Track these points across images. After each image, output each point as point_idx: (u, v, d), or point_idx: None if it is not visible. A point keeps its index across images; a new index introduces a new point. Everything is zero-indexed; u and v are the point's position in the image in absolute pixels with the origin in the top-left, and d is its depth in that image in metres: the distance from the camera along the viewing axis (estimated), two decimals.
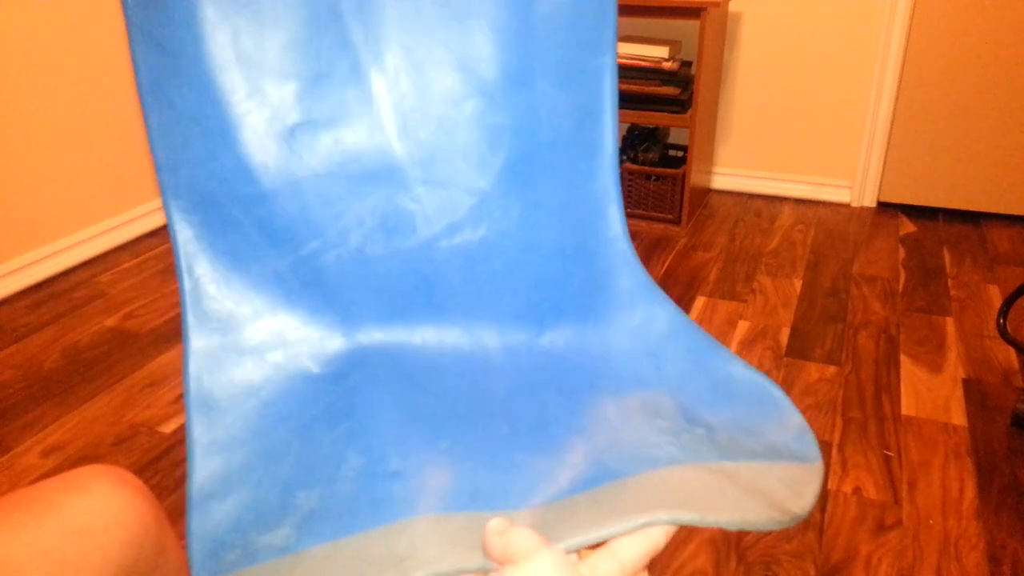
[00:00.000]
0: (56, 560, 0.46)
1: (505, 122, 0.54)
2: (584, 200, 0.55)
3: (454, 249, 0.54)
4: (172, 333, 1.79)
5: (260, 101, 0.52)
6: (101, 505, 0.50)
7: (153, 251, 2.21)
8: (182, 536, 1.20)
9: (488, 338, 0.53)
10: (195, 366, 0.47)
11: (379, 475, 0.42)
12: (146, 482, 1.20)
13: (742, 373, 0.46)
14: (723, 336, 1.74)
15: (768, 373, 1.60)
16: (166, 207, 0.52)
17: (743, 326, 1.78)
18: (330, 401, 0.48)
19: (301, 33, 0.52)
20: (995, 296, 1.89)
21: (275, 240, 0.52)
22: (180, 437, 1.42)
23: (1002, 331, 1.46)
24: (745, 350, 1.69)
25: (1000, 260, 2.08)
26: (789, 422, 0.42)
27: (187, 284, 0.50)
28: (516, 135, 0.54)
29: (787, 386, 1.56)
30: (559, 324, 0.53)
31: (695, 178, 2.34)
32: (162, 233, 2.34)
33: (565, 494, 0.38)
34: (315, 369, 0.50)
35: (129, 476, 0.54)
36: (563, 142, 0.55)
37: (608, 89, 0.55)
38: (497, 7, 0.53)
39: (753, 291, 1.94)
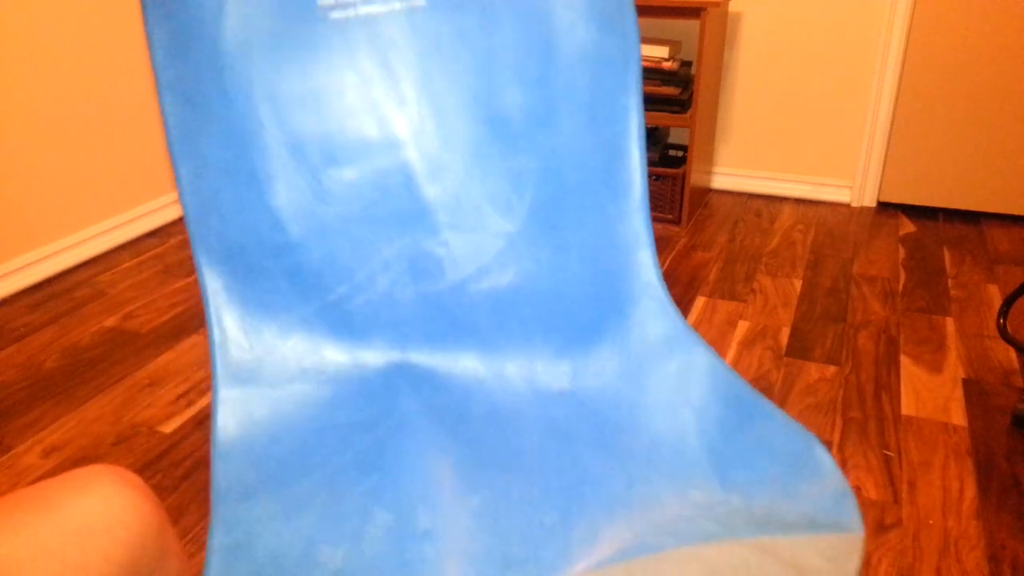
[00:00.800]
0: (57, 560, 0.46)
1: (531, 165, 0.53)
2: (614, 244, 0.54)
3: (482, 293, 0.53)
4: (172, 333, 1.79)
5: (288, 151, 0.52)
6: (103, 505, 0.50)
7: (153, 251, 2.21)
8: (183, 536, 1.20)
9: (519, 385, 0.51)
10: (223, 415, 0.47)
11: (408, 534, 0.41)
12: (146, 482, 1.20)
13: (784, 428, 0.44)
14: (723, 336, 1.74)
15: (768, 373, 1.60)
16: (196, 258, 0.52)
17: (743, 326, 1.78)
18: (359, 450, 0.47)
19: (326, 83, 0.52)
20: (995, 296, 1.89)
21: (304, 287, 0.52)
22: (180, 437, 1.42)
23: (1002, 331, 1.46)
24: (745, 350, 1.69)
25: (1000, 260, 2.08)
26: (830, 482, 0.40)
27: (216, 335, 0.49)
28: (542, 178, 0.54)
29: (787, 386, 1.56)
30: (591, 371, 0.52)
31: (695, 178, 2.34)
32: (162, 233, 2.34)
33: (598, 565, 0.37)
34: (344, 417, 0.49)
35: (131, 476, 0.54)
36: (590, 184, 0.54)
37: (635, 130, 0.54)
38: (520, 52, 0.53)
39: (753, 291, 1.94)
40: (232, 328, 0.50)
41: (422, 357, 0.51)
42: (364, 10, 0.51)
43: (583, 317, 0.53)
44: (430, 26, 0.52)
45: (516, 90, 0.53)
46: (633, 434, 0.47)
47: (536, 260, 0.54)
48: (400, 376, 0.51)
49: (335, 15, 0.51)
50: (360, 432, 0.48)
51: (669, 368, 0.50)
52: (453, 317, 0.52)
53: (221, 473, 0.45)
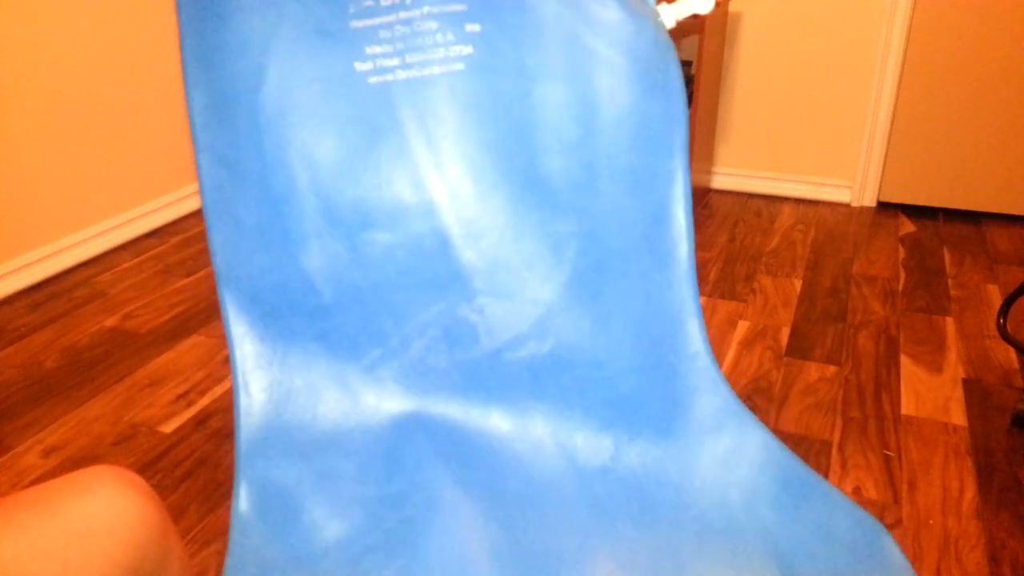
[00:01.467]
0: (60, 562, 0.46)
1: (571, 230, 0.52)
2: (659, 313, 0.52)
3: (520, 362, 0.51)
4: (172, 333, 1.79)
5: (322, 214, 0.51)
6: (105, 507, 0.50)
7: (153, 251, 2.21)
8: (184, 536, 1.20)
9: (557, 459, 0.49)
10: (245, 488, 0.45)
11: None
12: (146, 482, 1.20)
13: (845, 511, 0.41)
14: (723, 336, 1.74)
15: (768, 373, 1.60)
16: (226, 321, 0.51)
17: (743, 326, 1.78)
18: (387, 529, 0.45)
19: (363, 145, 0.51)
20: (995, 296, 1.89)
21: (336, 352, 0.51)
22: (180, 437, 1.42)
23: (1002, 331, 1.47)
24: (745, 350, 1.69)
25: (1000, 260, 2.08)
26: (895, 569, 0.38)
27: (243, 400, 0.48)
28: (582, 244, 0.52)
29: (787, 386, 1.56)
30: (636, 447, 0.49)
31: (695, 178, 2.34)
32: (162, 233, 2.34)
33: None
34: (371, 491, 0.47)
35: (134, 477, 0.54)
36: (634, 250, 0.52)
37: (680, 195, 0.53)
38: (560, 115, 0.52)
39: (753, 291, 1.94)
40: (259, 394, 0.49)
41: (455, 427, 0.50)
42: (402, 75, 0.51)
43: (626, 390, 0.51)
44: (468, 90, 0.52)
45: (556, 154, 0.52)
46: (681, 517, 0.45)
47: (576, 329, 0.52)
48: (432, 446, 0.49)
49: (372, 80, 0.51)
50: (388, 509, 0.46)
51: (719, 446, 0.48)
52: (488, 386, 0.51)
53: (239, 547, 0.44)
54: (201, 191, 0.52)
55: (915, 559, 1.14)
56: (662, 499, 0.46)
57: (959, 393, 1.52)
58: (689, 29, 2.46)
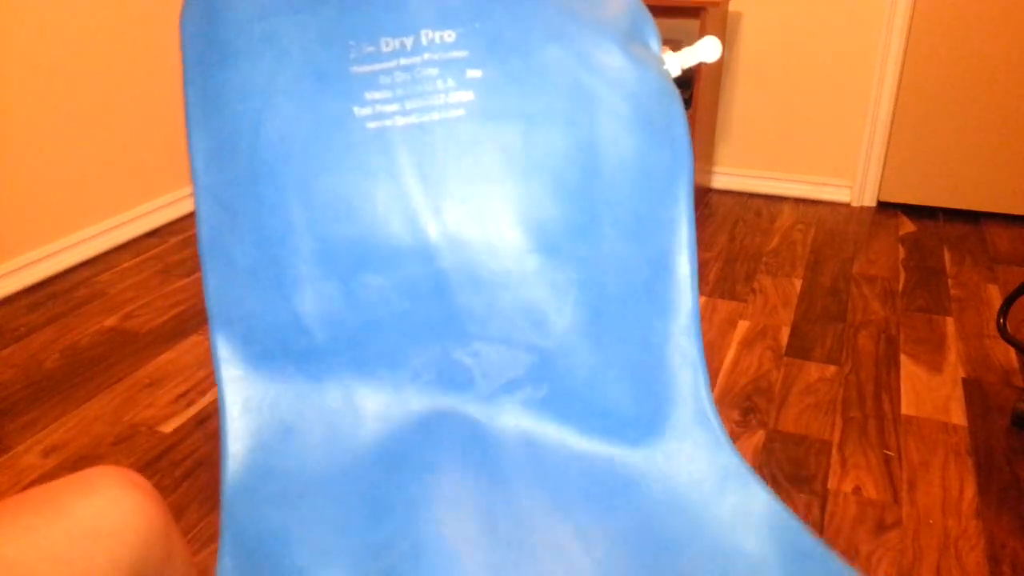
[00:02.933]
0: (64, 563, 0.46)
1: (570, 277, 0.51)
2: (661, 365, 0.50)
3: (514, 407, 0.50)
4: (172, 333, 1.79)
5: (318, 256, 0.50)
6: (109, 507, 0.50)
7: (153, 251, 2.21)
8: (185, 535, 1.20)
9: (553, 519, 0.47)
10: (230, 540, 0.45)
11: None
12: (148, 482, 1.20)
13: None
14: (723, 336, 1.74)
15: (768, 373, 1.60)
16: (216, 365, 0.50)
17: (743, 326, 1.78)
18: None
19: (359, 188, 0.50)
20: (995, 296, 1.89)
21: (327, 396, 0.50)
22: (180, 437, 1.42)
23: (1002, 331, 1.47)
24: (745, 350, 1.69)
25: (1000, 260, 2.08)
26: None
27: (231, 447, 0.48)
28: (581, 292, 0.51)
29: (787, 386, 1.56)
30: (633, 506, 0.47)
31: (695, 177, 2.34)
32: (162, 232, 2.34)
33: None
34: (357, 540, 0.45)
35: (138, 478, 0.54)
36: (635, 300, 0.51)
37: (684, 244, 0.51)
38: (561, 162, 0.51)
39: (753, 291, 1.94)
40: (246, 439, 0.48)
41: (444, 482, 0.48)
42: (401, 121, 0.51)
43: (624, 443, 0.50)
44: (468, 135, 0.51)
45: (556, 200, 0.51)
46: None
47: (572, 378, 0.51)
48: (419, 490, 0.48)
49: (371, 125, 0.51)
50: (373, 558, 0.45)
51: (721, 508, 0.46)
52: (480, 434, 0.50)
53: None
54: (198, 233, 0.52)
55: (915, 559, 1.14)
56: (661, 564, 0.45)
57: (959, 393, 1.52)
58: (689, 29, 2.47)
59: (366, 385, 0.51)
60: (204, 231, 0.51)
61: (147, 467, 1.34)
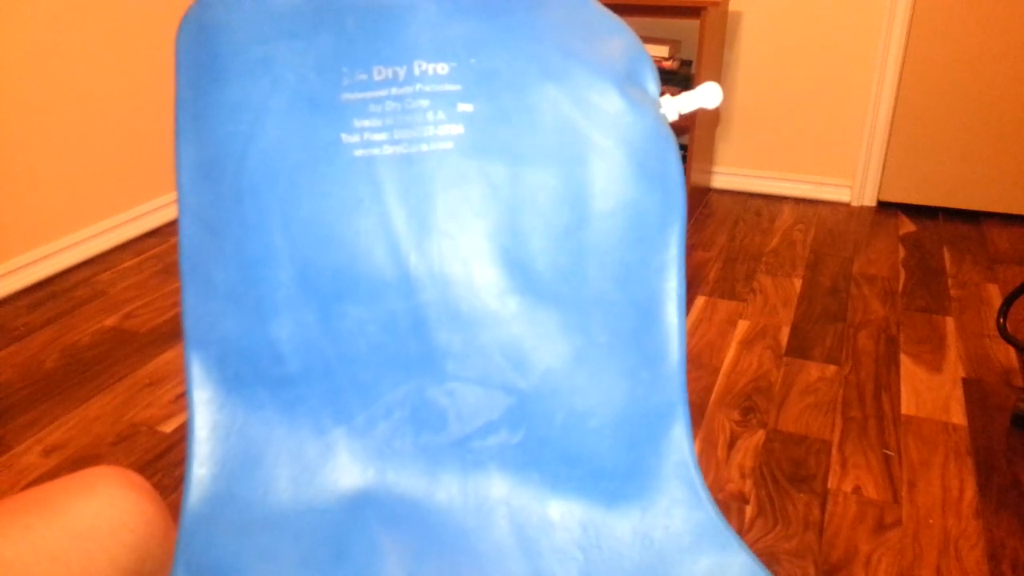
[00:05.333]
0: (62, 563, 0.46)
1: (553, 319, 0.49)
2: (644, 414, 0.49)
3: (488, 451, 0.49)
4: (172, 332, 1.79)
5: (297, 283, 0.50)
6: (108, 508, 0.50)
7: (153, 250, 2.21)
8: None
9: (522, 559, 0.46)
10: (182, 570, 0.43)
11: None
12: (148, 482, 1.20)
13: None
14: (723, 336, 1.74)
15: (768, 373, 1.60)
16: (189, 387, 0.49)
17: (743, 325, 1.78)
18: None
19: (342, 215, 0.50)
20: (995, 295, 1.89)
21: (298, 426, 0.49)
22: (180, 436, 1.42)
23: (1002, 330, 1.47)
24: (745, 349, 1.69)
25: (1000, 260, 2.08)
26: None
27: (195, 472, 0.47)
28: (564, 334, 0.50)
29: (787, 385, 1.56)
30: (605, 556, 0.46)
31: (695, 177, 2.34)
32: (162, 232, 2.34)
33: None
34: None
35: (136, 478, 0.54)
36: (619, 346, 0.50)
37: (674, 290, 0.50)
38: (550, 201, 0.50)
39: (753, 290, 1.94)
40: (212, 466, 0.47)
41: (411, 510, 0.47)
42: (389, 150, 0.50)
43: (600, 494, 0.48)
44: (456, 168, 0.50)
45: (543, 240, 0.50)
46: None
47: (550, 423, 0.49)
48: (384, 531, 0.47)
49: (358, 152, 0.50)
50: None
51: (697, 567, 0.45)
52: (454, 476, 0.48)
53: None
54: (180, 251, 0.51)
55: (915, 559, 1.14)
56: None
57: (959, 392, 1.52)
58: (689, 29, 2.47)
59: (337, 420, 0.50)
60: (185, 250, 0.50)
61: (147, 467, 1.34)
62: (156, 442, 1.41)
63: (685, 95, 0.55)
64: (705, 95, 0.54)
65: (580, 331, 0.50)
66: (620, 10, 2.18)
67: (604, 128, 0.50)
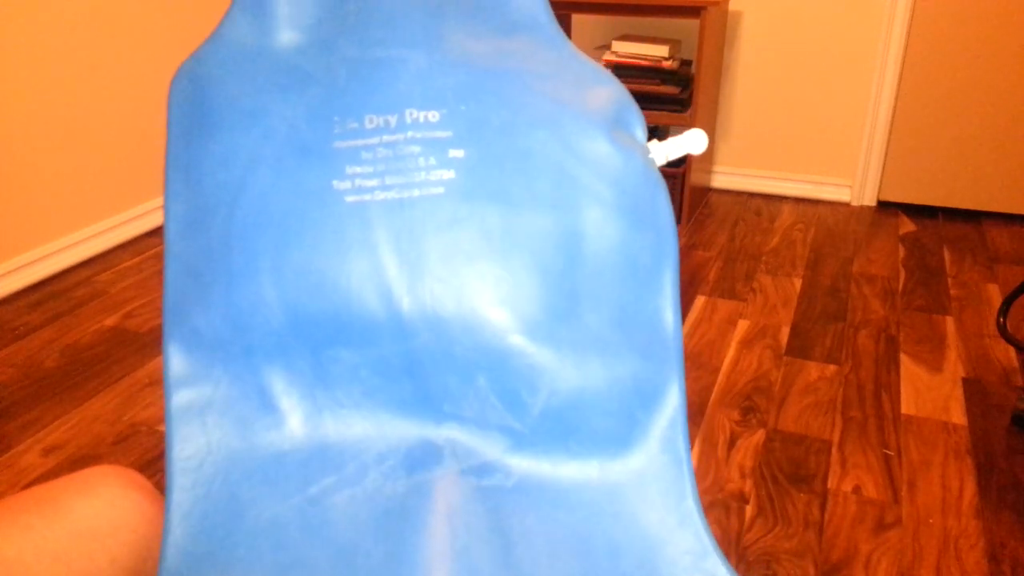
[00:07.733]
0: (63, 562, 0.46)
1: (547, 362, 0.49)
2: (643, 459, 0.49)
3: (483, 491, 0.49)
4: None
5: (288, 329, 0.49)
6: (109, 507, 0.50)
7: (153, 250, 2.21)
8: None
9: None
10: None
11: None
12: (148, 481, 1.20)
13: None
14: (723, 335, 1.74)
15: (768, 372, 1.60)
16: (168, 438, 0.48)
17: (743, 325, 1.78)
18: None
19: (334, 260, 0.49)
20: (995, 295, 1.89)
21: (285, 478, 0.48)
22: None
23: (1002, 330, 1.47)
24: (745, 349, 1.69)
25: (1000, 259, 2.08)
26: None
27: (175, 525, 0.45)
28: (559, 377, 0.49)
29: (787, 385, 1.56)
30: None
31: (695, 177, 2.34)
32: (162, 232, 2.34)
33: None
34: None
35: (138, 477, 0.54)
36: (616, 389, 0.49)
37: (671, 334, 0.50)
38: (542, 244, 0.50)
39: (753, 290, 1.94)
40: (191, 525, 0.46)
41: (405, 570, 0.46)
42: (380, 196, 0.50)
43: (600, 542, 0.48)
44: (448, 213, 0.50)
45: (537, 284, 0.50)
46: None
47: (549, 464, 0.49)
48: None
49: (349, 199, 0.50)
50: None
51: None
52: (443, 517, 0.48)
53: None
54: (164, 299, 0.50)
55: (915, 558, 1.14)
56: None
57: (959, 392, 1.52)
58: (689, 29, 2.47)
59: (328, 470, 0.49)
60: (170, 298, 0.50)
61: (147, 467, 1.34)
62: (156, 442, 1.41)
63: (672, 140, 0.56)
64: (691, 141, 0.55)
65: (575, 374, 0.50)
66: (620, 9, 2.18)
67: (595, 172, 0.51)
